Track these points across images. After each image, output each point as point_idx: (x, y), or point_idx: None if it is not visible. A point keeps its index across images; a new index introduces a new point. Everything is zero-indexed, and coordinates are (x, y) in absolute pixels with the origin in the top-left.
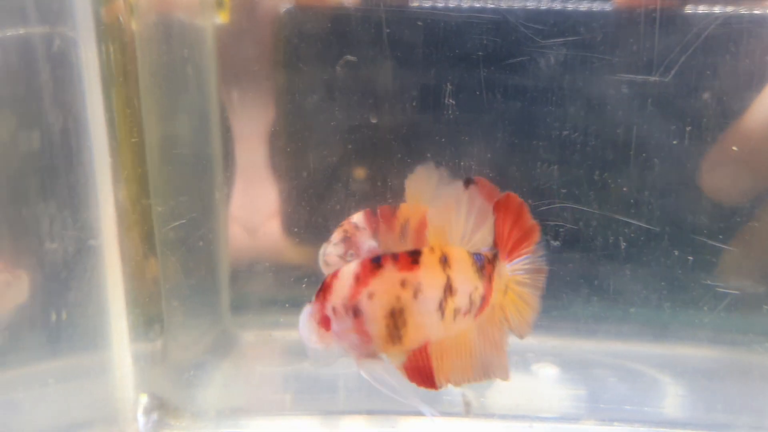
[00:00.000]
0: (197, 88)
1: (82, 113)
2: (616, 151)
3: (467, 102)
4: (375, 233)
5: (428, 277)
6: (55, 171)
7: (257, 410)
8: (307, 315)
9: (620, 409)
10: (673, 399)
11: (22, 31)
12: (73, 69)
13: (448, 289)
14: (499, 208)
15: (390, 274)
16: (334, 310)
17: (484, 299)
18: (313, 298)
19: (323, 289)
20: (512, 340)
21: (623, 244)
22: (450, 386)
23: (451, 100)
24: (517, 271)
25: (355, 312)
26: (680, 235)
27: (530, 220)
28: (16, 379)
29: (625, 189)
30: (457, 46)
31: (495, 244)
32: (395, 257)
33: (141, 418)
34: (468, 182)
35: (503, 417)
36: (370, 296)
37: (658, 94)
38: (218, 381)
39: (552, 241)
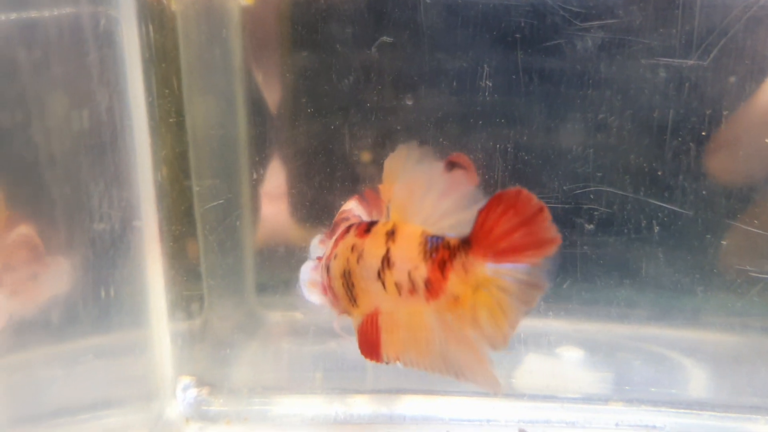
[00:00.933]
0: (233, 69)
1: (125, 93)
2: (651, 135)
3: (503, 84)
4: (370, 216)
5: (371, 245)
6: (103, 150)
7: (287, 388)
8: (307, 269)
9: (647, 390)
10: (699, 382)
11: (73, 10)
12: (117, 48)
13: (386, 261)
14: (499, 202)
15: (349, 239)
16: (324, 266)
17: (431, 283)
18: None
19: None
20: (528, 324)
21: (656, 228)
22: (399, 365)
23: (487, 83)
24: (504, 275)
25: (327, 269)
26: (714, 220)
27: (547, 232)
28: (62, 354)
29: (660, 173)
30: (494, 29)
31: (471, 235)
32: (359, 225)
33: (180, 395)
34: (451, 166)
35: (533, 397)
36: (335, 257)
37: (695, 77)
38: (248, 359)
39: (586, 225)
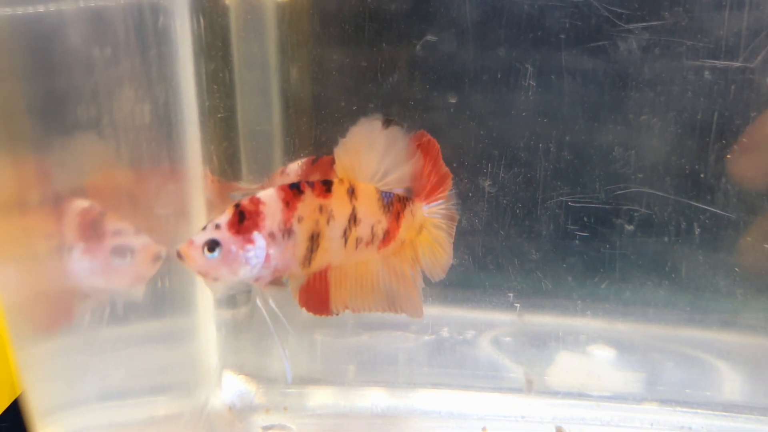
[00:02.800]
0: (272, 65)
1: (179, 88)
2: (694, 137)
3: (547, 84)
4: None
5: (338, 205)
6: (160, 144)
7: (323, 380)
8: (197, 246)
9: (682, 392)
10: (735, 385)
11: (137, 5)
12: (172, 44)
13: (353, 219)
14: (420, 150)
15: (311, 200)
16: (271, 234)
17: (388, 233)
18: (211, 225)
19: (251, 215)
20: (565, 322)
21: (697, 230)
22: (348, 312)
23: (531, 82)
24: (434, 214)
25: (289, 234)
26: (756, 223)
27: (444, 166)
28: (122, 337)
29: (702, 175)
30: (538, 29)
31: (412, 185)
32: (311, 185)
33: (225, 385)
34: (387, 122)
35: (567, 395)
36: (299, 220)
37: (741, 79)
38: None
39: (626, 225)
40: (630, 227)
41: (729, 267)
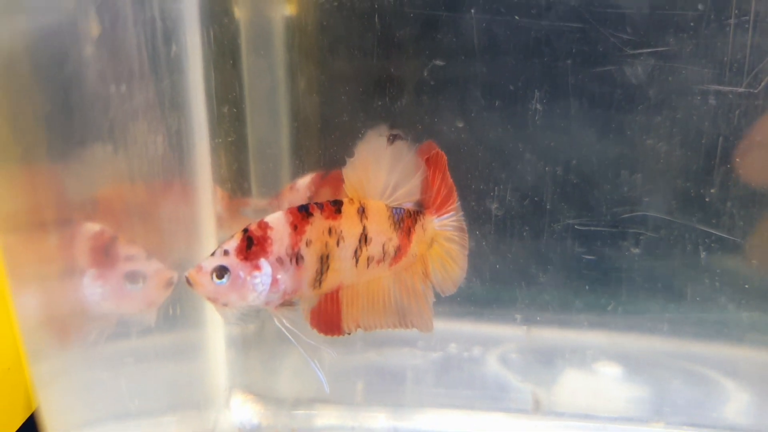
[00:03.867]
0: (286, 84)
1: (190, 114)
2: (699, 161)
3: (554, 108)
4: (314, 197)
5: (348, 225)
6: (172, 172)
7: (330, 400)
8: (206, 272)
9: (688, 413)
10: (741, 405)
11: (151, 37)
12: (184, 71)
13: (364, 238)
14: (429, 163)
15: (319, 223)
16: (279, 259)
17: (399, 250)
18: (219, 251)
19: (259, 241)
20: (572, 342)
21: (703, 254)
22: (360, 331)
23: (538, 106)
24: (445, 226)
25: (298, 259)
26: (762, 246)
27: (450, 178)
28: (124, 352)
29: (707, 199)
30: (545, 54)
31: (421, 198)
32: (320, 206)
33: (233, 405)
34: (393, 138)
35: (574, 416)
36: (308, 243)
37: (746, 104)
38: (291, 369)
39: (632, 248)
40: (636, 250)
41: (735, 290)
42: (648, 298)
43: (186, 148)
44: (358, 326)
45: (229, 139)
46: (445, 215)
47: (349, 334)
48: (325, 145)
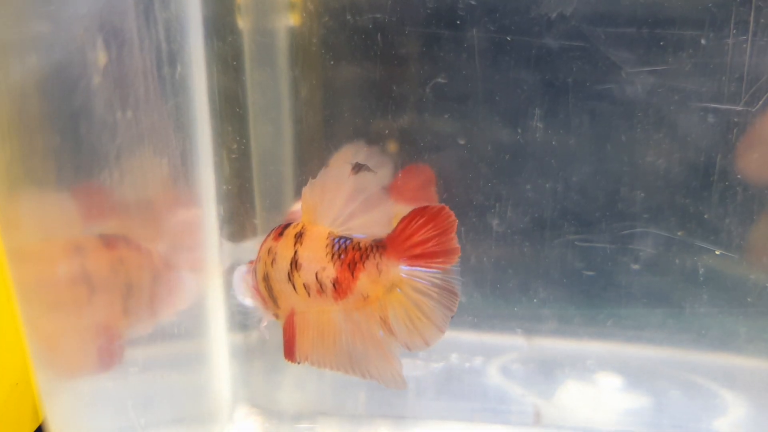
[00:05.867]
0: (292, 97)
1: (195, 135)
2: (698, 179)
3: (554, 126)
4: None
5: (282, 248)
6: (177, 193)
7: (332, 412)
8: (240, 272)
9: (686, 425)
10: (739, 416)
11: (156, 61)
12: (189, 91)
13: (294, 263)
14: (423, 214)
15: (267, 242)
16: (251, 269)
17: (339, 283)
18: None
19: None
20: (572, 357)
21: (701, 270)
22: (307, 364)
23: (538, 124)
24: (418, 278)
25: (255, 272)
26: (759, 263)
27: (455, 243)
28: (128, 363)
29: (706, 216)
30: (546, 72)
31: (387, 238)
32: (280, 226)
33: (236, 418)
34: (358, 168)
35: (574, 428)
36: (258, 260)
37: (744, 123)
38: (293, 381)
39: (632, 265)
40: (636, 266)
41: (732, 306)
42: (647, 314)
43: (191, 168)
44: (307, 359)
45: (233, 156)
46: (422, 268)
47: (299, 363)
48: (328, 159)
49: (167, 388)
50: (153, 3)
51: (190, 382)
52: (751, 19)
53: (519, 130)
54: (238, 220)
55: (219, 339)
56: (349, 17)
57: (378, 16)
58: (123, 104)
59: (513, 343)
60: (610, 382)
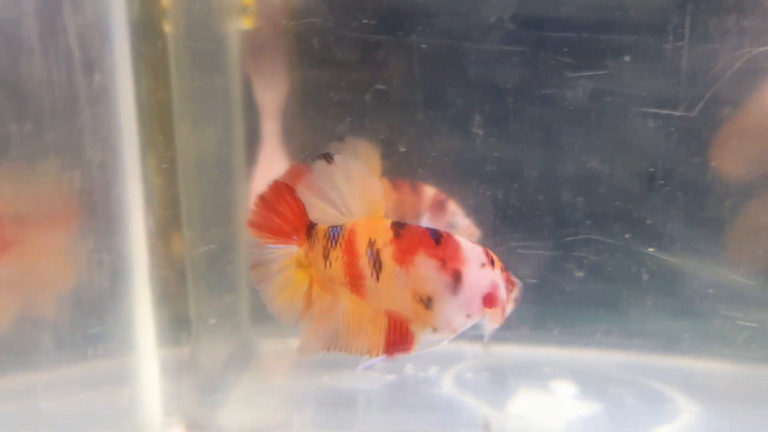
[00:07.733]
0: (229, 105)
1: (117, 144)
2: (640, 184)
3: (495, 132)
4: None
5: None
6: (94, 207)
7: (277, 427)
8: None
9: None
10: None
11: (65, 69)
12: (111, 100)
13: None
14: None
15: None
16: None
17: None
18: None
19: None
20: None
21: (645, 276)
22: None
23: (478, 131)
24: None
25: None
26: (701, 268)
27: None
28: (39, 383)
29: (648, 221)
30: (487, 77)
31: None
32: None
33: None
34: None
35: None
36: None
37: (684, 128)
38: (239, 396)
39: (576, 272)
40: (580, 273)
41: (677, 311)
42: (594, 320)
43: (112, 181)
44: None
45: (164, 166)
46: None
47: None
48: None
49: (87, 413)
50: (61, 9)
51: (113, 404)
52: (687, 25)
53: (459, 136)
54: (166, 233)
55: (147, 356)
56: (285, 22)
57: (315, 20)
58: (19, 116)
59: (469, 351)
60: (564, 389)
